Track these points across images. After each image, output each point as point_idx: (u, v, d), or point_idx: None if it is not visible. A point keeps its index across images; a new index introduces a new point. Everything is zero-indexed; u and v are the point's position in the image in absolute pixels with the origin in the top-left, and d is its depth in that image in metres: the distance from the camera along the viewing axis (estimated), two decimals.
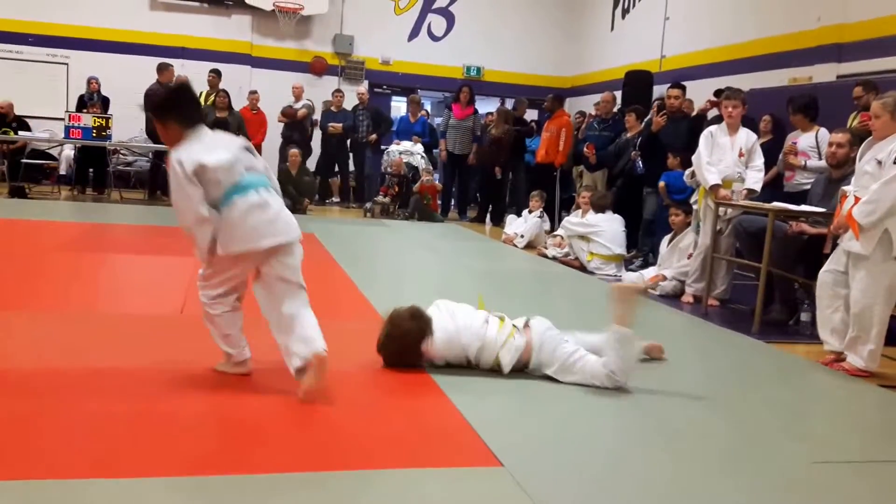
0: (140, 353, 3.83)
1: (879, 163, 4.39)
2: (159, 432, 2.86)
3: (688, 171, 7.02)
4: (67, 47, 13.16)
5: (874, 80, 6.93)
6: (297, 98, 12.90)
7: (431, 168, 12.12)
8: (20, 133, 11.65)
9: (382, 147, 12.70)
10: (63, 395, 3.17)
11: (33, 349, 3.76)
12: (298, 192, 11.34)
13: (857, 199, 4.48)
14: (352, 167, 13.28)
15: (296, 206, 11.18)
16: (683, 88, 8.50)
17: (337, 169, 13.30)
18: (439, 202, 12.50)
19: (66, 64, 13.20)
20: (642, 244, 8.23)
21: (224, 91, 11.77)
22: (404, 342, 3.86)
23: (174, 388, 3.35)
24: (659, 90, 11.04)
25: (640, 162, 8.49)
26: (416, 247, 8.94)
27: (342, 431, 3.04)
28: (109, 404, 3.08)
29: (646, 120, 8.95)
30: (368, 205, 12.03)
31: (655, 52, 11.80)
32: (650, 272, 7.16)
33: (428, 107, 16.45)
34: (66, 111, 11.38)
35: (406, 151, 11.92)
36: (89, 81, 12.18)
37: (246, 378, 3.54)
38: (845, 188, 4.72)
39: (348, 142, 12.93)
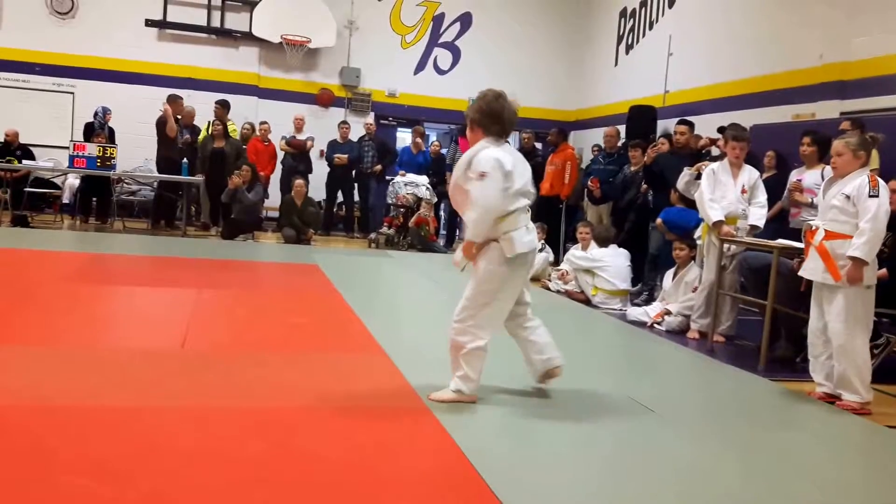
0: (141, 390, 3.77)
1: (847, 197, 4.55)
2: (161, 471, 2.81)
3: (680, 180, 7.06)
4: (74, 76, 13.24)
5: (862, 118, 6.95)
6: (299, 129, 12.97)
7: (434, 201, 12.13)
8: (24, 162, 11.64)
9: (387, 178, 12.73)
10: (65, 434, 3.11)
11: (33, 386, 3.70)
12: (303, 222, 11.33)
13: (827, 233, 4.62)
14: (356, 197, 13.29)
15: (300, 237, 11.19)
16: (691, 125, 8.50)
17: (342, 199, 13.33)
18: (444, 232, 12.54)
19: (72, 93, 13.27)
20: (647, 278, 8.18)
21: (219, 121, 11.79)
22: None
23: (176, 427, 3.29)
24: (663, 125, 11.06)
25: (651, 195, 8.50)
26: (419, 277, 8.91)
27: (341, 473, 2.97)
28: (112, 445, 3.03)
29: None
30: (373, 235, 12.03)
31: (659, 87, 11.83)
32: (655, 307, 7.11)
33: (433, 137, 16.51)
34: (72, 140, 11.41)
35: (411, 183, 11.95)
36: (105, 112, 12.20)
37: (245, 418, 3.48)
38: (810, 222, 4.91)
39: (353, 172, 12.96)
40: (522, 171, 3.99)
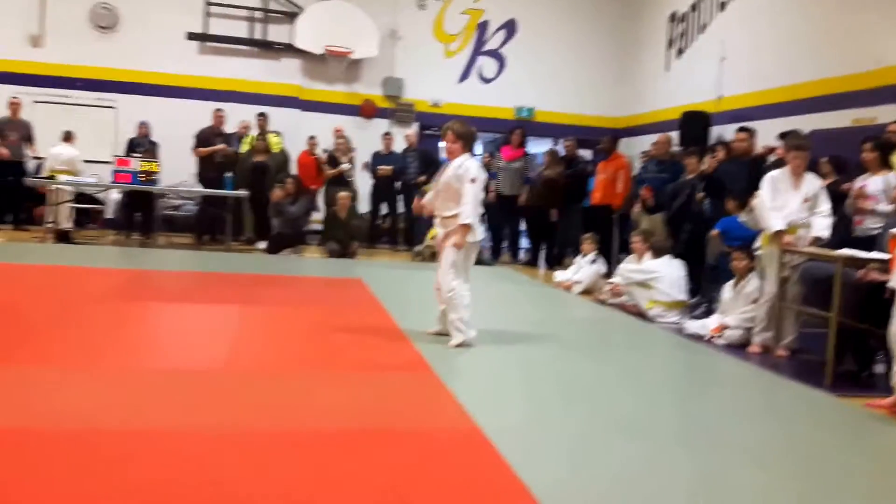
0: (184, 411, 3.73)
1: None
2: (205, 495, 2.75)
3: (745, 212, 6.81)
4: (116, 91, 13.28)
5: None
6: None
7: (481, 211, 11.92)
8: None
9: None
10: (108, 457, 3.06)
11: (76, 408, 3.65)
12: (348, 235, 11.20)
13: None
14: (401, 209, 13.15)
15: (345, 250, 11.06)
16: (752, 132, 8.20)
17: (386, 211, 13.21)
18: (490, 244, 12.38)
19: (115, 108, 13.30)
20: (706, 290, 7.88)
21: (262, 135, 11.73)
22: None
23: (219, 450, 3.23)
24: (717, 131, 10.75)
25: (708, 204, 8.21)
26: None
27: (388, 500, 2.85)
28: (155, 469, 2.97)
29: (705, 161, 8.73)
30: (418, 248, 11.85)
31: (712, 92, 11.48)
32: (713, 320, 6.83)
33: (479, 148, 16.34)
34: (114, 155, 11.41)
35: None
36: (139, 126, 12.26)
37: (289, 441, 3.38)
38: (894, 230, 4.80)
39: (397, 184, 12.83)
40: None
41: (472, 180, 5.47)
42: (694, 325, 6.99)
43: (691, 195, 8.43)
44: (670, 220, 8.99)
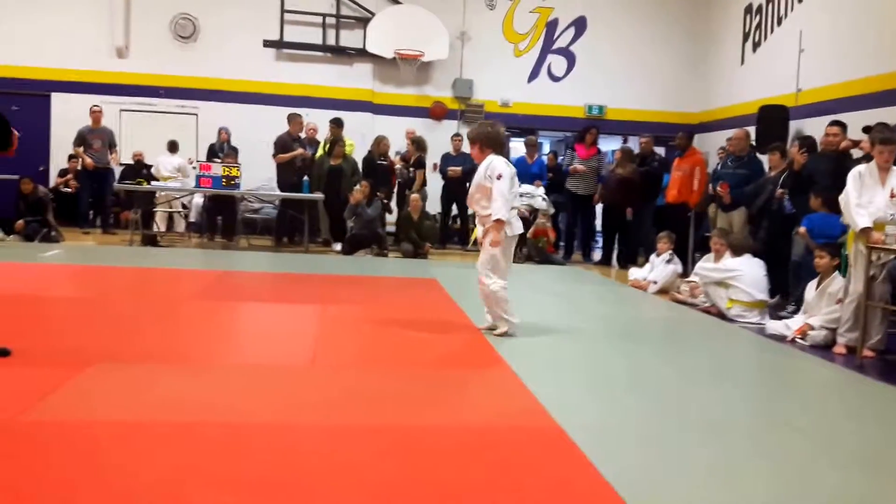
0: (275, 406, 3.81)
1: None
2: (296, 488, 2.81)
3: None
4: (197, 98, 13.71)
5: None
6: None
7: (551, 212, 11.91)
8: (152, 183, 12.07)
9: None
10: (202, 450, 3.16)
11: (169, 403, 3.76)
12: (420, 236, 11.32)
13: None
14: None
15: (417, 251, 11.17)
16: (843, 126, 7.97)
17: (457, 212, 13.27)
18: (562, 244, 12.36)
19: (196, 115, 13.74)
20: (791, 289, 7.69)
21: (342, 141, 11.96)
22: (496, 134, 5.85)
23: (309, 443, 3.30)
24: (795, 125, 10.51)
25: (788, 201, 8.02)
26: (538, 292, 8.63)
27: (472, 493, 2.88)
28: (249, 461, 3.05)
29: (788, 158, 8.52)
30: None
31: (790, 85, 11.23)
32: (797, 320, 6.67)
33: (546, 147, 16.30)
34: (197, 160, 11.76)
35: (527, 194, 11.74)
36: (219, 132, 12.62)
37: (375, 435, 3.43)
38: None
39: (467, 185, 12.82)
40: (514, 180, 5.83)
41: (499, 177, 5.63)
42: (776, 325, 6.85)
43: (774, 192, 8.27)
44: (753, 218, 8.83)
